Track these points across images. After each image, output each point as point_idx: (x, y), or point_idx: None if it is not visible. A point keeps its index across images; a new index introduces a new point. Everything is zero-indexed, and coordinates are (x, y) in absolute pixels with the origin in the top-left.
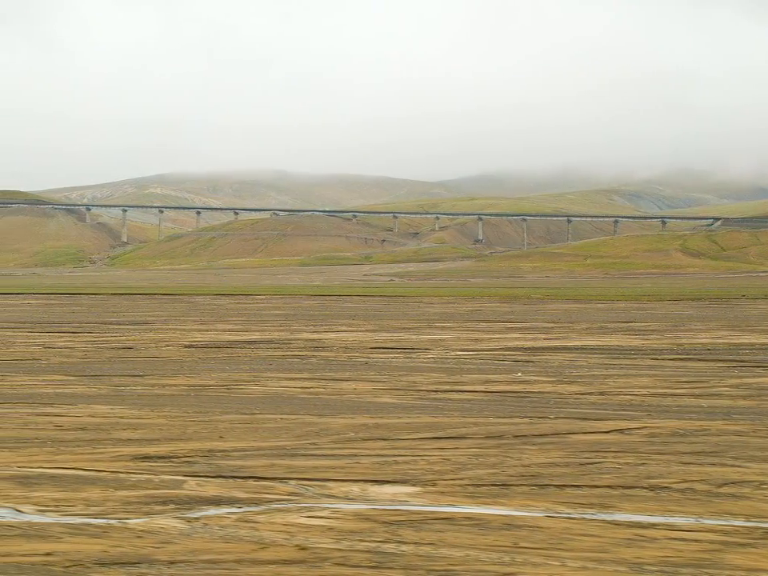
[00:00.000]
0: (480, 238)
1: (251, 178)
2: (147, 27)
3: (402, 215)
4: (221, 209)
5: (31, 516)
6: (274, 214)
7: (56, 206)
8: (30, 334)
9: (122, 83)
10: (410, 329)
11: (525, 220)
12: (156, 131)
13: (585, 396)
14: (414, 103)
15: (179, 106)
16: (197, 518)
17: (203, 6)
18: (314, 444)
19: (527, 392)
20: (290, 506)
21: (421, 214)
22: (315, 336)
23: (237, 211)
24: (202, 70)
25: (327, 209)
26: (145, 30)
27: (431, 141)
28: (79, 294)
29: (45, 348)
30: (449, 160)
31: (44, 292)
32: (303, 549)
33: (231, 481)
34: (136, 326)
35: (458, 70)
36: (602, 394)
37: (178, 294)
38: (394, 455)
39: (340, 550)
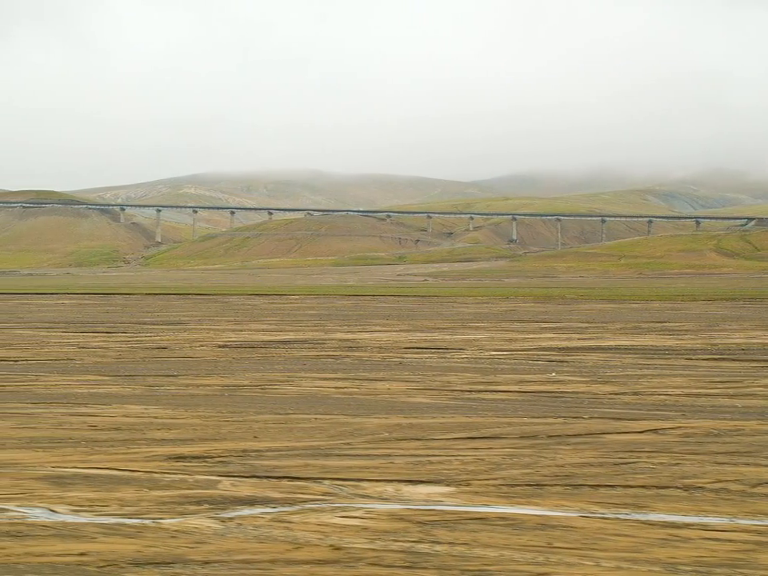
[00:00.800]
0: (514, 238)
1: (285, 178)
2: (182, 27)
3: (436, 215)
4: (255, 209)
5: (65, 516)
6: (308, 214)
7: (90, 206)
8: (64, 334)
9: (157, 83)
10: (444, 329)
11: (559, 220)
12: (190, 131)
13: (619, 396)
14: (449, 103)
15: (214, 106)
16: (231, 518)
17: (238, 6)
18: (348, 444)
19: (561, 392)
20: (324, 506)
21: (455, 213)
22: (349, 336)
23: (271, 211)
24: (236, 69)
25: (361, 209)
26: (180, 30)
27: (465, 141)
28: (113, 294)
29: (79, 348)
30: (483, 160)
31: (78, 292)
32: (337, 549)
33: (265, 481)
34: (170, 326)
35: (492, 70)
36: (636, 394)
37: (212, 294)
38: (428, 455)
39: (374, 550)
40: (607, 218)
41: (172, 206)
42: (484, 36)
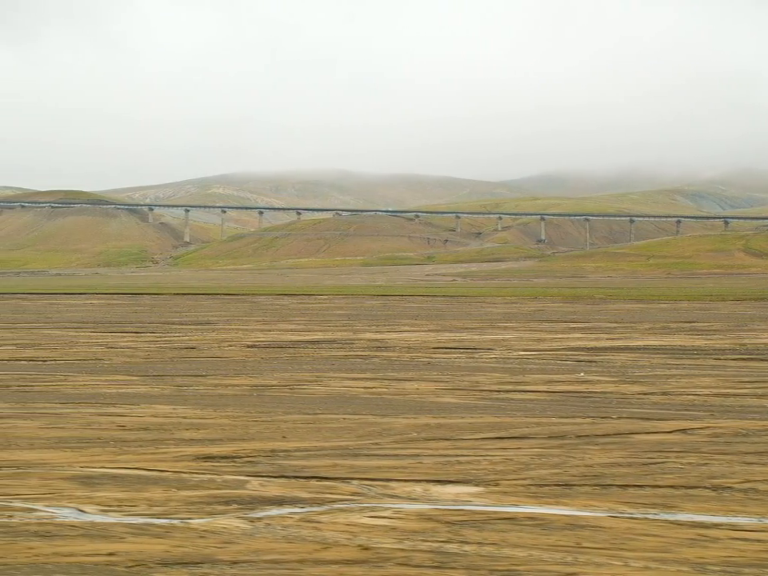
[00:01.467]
0: (543, 238)
1: (314, 178)
2: (210, 27)
3: (465, 215)
4: (283, 209)
5: (94, 516)
6: (337, 213)
7: (119, 206)
8: (92, 334)
9: (186, 83)
10: (472, 329)
11: (587, 220)
12: (219, 131)
13: (647, 396)
14: (477, 103)
15: (242, 106)
16: (259, 518)
17: (266, 6)
18: (377, 444)
19: (590, 392)
20: (352, 506)
21: (483, 213)
22: (378, 336)
23: (299, 211)
24: (265, 70)
25: (390, 209)
26: (208, 30)
27: (494, 141)
28: (142, 294)
29: (107, 348)
30: (511, 160)
31: (107, 292)
32: (366, 549)
33: (294, 481)
34: (199, 326)
35: (521, 70)
36: (664, 394)
37: (241, 294)
38: (457, 455)
39: (403, 550)
40: (636, 218)
41: (200, 206)
42: (513, 36)
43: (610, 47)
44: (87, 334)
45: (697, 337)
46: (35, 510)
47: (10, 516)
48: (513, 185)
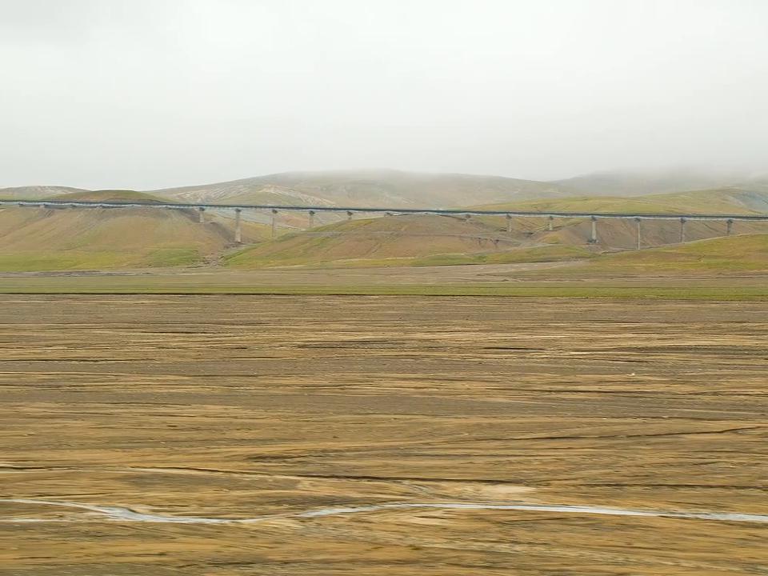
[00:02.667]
0: (593, 238)
1: (365, 178)
2: (261, 27)
3: (516, 215)
4: (334, 209)
5: (145, 516)
6: (388, 213)
7: (170, 206)
8: (143, 334)
9: (236, 83)
10: (523, 329)
11: (638, 220)
12: (270, 131)
13: (698, 396)
14: (528, 103)
15: (293, 105)
16: (310, 518)
17: (317, 6)
18: (428, 444)
19: (641, 392)
20: (403, 505)
21: (534, 213)
22: (429, 336)
23: (350, 211)
24: (315, 69)
25: (441, 209)
26: (258, 30)
27: (544, 141)
28: (193, 294)
29: (158, 348)
30: (562, 160)
31: (158, 292)
32: (417, 549)
33: (345, 481)
34: (249, 326)
35: (571, 71)
36: (715, 394)
37: (292, 294)
38: (508, 455)
39: (453, 550)
40: (687, 218)
41: (252, 206)
42: (564, 36)
43: (661, 47)
44: (138, 333)
45: (748, 337)
46: (86, 510)
47: (61, 516)
48: (563, 185)
